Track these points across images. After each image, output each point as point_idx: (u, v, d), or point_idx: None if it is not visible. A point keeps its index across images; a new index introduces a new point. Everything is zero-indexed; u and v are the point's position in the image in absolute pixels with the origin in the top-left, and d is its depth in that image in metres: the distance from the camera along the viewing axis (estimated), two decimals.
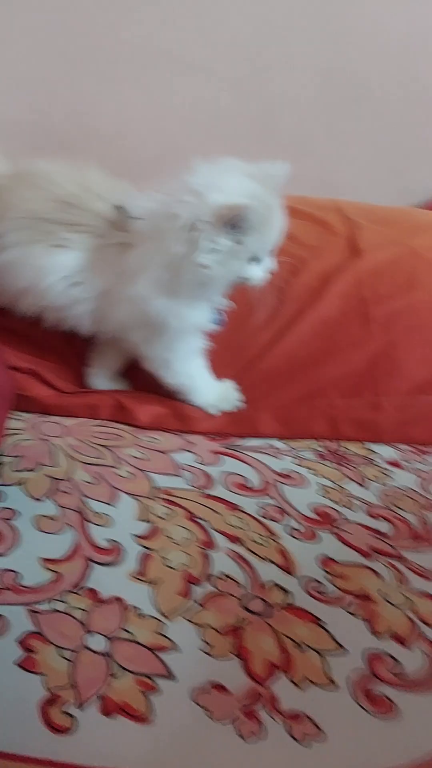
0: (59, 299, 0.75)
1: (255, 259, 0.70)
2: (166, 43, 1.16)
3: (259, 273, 0.71)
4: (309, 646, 0.48)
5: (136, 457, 0.70)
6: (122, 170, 1.22)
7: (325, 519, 0.62)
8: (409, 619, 0.51)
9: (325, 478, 0.69)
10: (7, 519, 0.57)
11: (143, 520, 0.60)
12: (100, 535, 0.57)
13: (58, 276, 0.73)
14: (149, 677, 0.45)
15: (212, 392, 0.80)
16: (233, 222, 0.66)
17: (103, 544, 0.56)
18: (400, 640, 0.49)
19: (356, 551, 0.58)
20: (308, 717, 0.43)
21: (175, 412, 0.78)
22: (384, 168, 1.28)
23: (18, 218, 0.74)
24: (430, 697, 0.45)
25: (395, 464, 0.73)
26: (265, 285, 0.73)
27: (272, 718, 0.43)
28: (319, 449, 0.75)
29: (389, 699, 0.45)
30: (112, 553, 0.55)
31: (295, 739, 0.42)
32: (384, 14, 1.18)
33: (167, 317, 0.72)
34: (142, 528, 0.59)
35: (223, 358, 0.82)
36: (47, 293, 0.75)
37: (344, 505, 0.64)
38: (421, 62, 1.22)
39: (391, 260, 0.89)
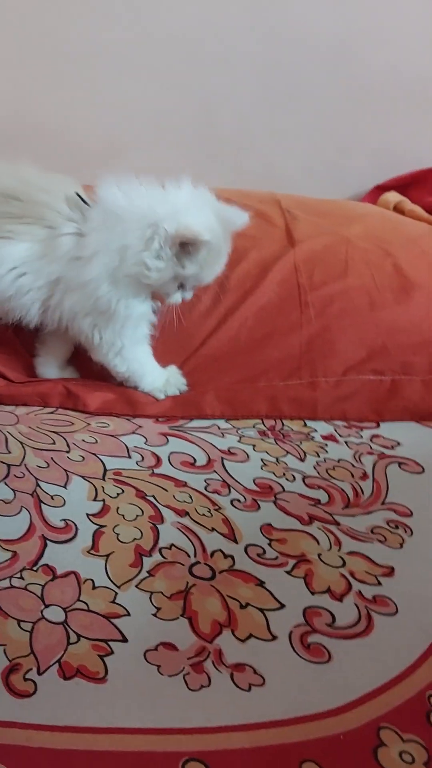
0: (7, 290, 0.77)
1: (182, 285, 0.78)
2: (108, 42, 1.18)
3: (178, 297, 0.79)
4: (252, 605, 0.52)
5: (87, 442, 0.73)
6: (67, 165, 1.24)
7: (265, 490, 0.67)
8: (343, 576, 0.56)
9: (265, 453, 0.73)
10: None
11: (95, 500, 0.63)
12: (54, 515, 0.60)
13: (6, 267, 0.75)
14: (104, 641, 0.48)
15: (159, 378, 0.83)
16: (187, 245, 0.72)
17: (58, 523, 0.59)
18: (335, 596, 0.54)
19: (295, 518, 0.63)
20: (250, 666, 0.47)
21: (123, 397, 0.81)
22: (321, 162, 1.33)
23: None
24: (360, 643, 0.50)
25: (331, 438, 0.78)
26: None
27: (217, 669, 0.47)
28: (261, 427, 0.80)
29: (324, 647, 0.50)
30: (66, 532, 0.58)
31: (238, 686, 0.46)
32: (320, 15, 1.23)
33: (114, 303, 0.76)
34: (95, 507, 0.62)
35: (169, 345, 0.85)
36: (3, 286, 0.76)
37: (284, 477, 0.69)
38: (356, 62, 1.27)
39: (325, 249, 0.94)
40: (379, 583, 0.56)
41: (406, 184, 1.37)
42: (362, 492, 0.68)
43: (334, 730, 0.44)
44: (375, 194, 1.37)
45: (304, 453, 0.74)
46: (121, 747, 0.42)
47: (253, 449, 0.74)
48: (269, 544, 0.59)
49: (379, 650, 0.50)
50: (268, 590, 0.54)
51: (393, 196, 1.32)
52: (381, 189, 1.37)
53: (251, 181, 1.20)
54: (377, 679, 0.47)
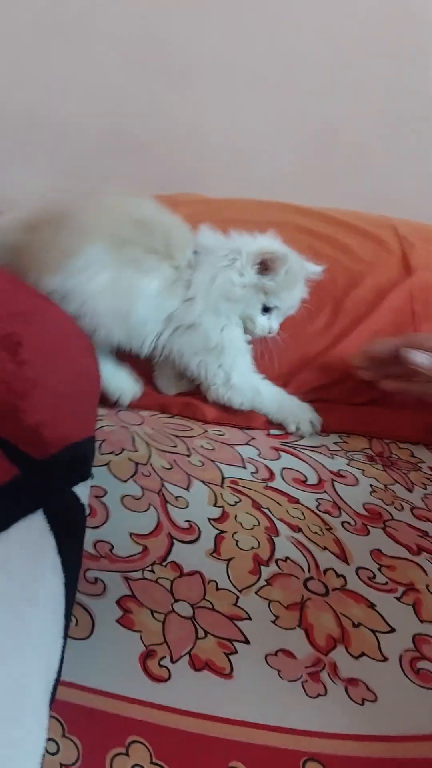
0: (137, 319, 0.81)
1: (266, 310, 0.85)
2: (240, 58, 1.23)
3: (264, 323, 0.86)
4: (363, 625, 0.56)
5: (205, 448, 0.78)
6: (196, 174, 1.30)
7: (375, 516, 0.70)
8: None
9: (374, 479, 0.76)
10: (98, 497, 0.66)
11: (215, 506, 0.68)
12: (179, 515, 0.65)
13: (144, 299, 0.80)
14: (229, 640, 0.53)
15: (285, 406, 0.86)
16: (266, 263, 0.82)
17: (183, 524, 0.64)
18: None
19: (404, 547, 0.66)
20: (363, 682, 0.51)
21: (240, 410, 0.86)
22: None
23: (100, 243, 0.78)
24: None
25: None
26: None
27: (333, 681, 0.51)
28: (369, 452, 0.82)
29: None
30: (191, 533, 0.64)
31: (352, 699, 0.50)
32: None
33: (217, 334, 0.84)
34: (215, 512, 0.67)
35: (282, 360, 0.89)
36: (136, 318, 0.81)
37: (393, 506, 0.72)
38: None
39: None
40: None
41: None
42: None
43: None
44: None
45: (412, 483, 0.76)
46: (247, 739, 0.46)
47: (362, 474, 0.77)
48: (379, 569, 0.62)
49: None
50: (378, 613, 0.57)
51: None
52: None
53: (367, 203, 1.23)
54: None
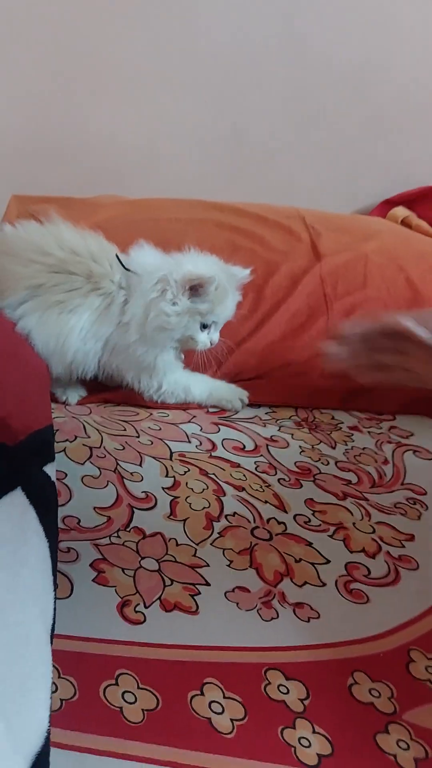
0: (76, 354, 0.88)
1: (204, 326, 0.89)
2: (149, 61, 1.30)
3: (204, 339, 0.90)
4: (304, 560, 0.66)
5: (152, 429, 0.85)
6: (110, 175, 1.36)
7: (305, 472, 0.80)
8: (374, 540, 0.70)
9: (302, 441, 0.87)
10: (60, 479, 0.73)
11: (167, 476, 0.76)
12: (136, 488, 0.73)
13: (76, 336, 0.86)
14: (192, 585, 0.62)
15: (215, 392, 0.94)
16: (196, 287, 0.84)
17: (140, 495, 0.72)
18: (369, 555, 0.68)
19: (332, 495, 0.76)
20: (307, 604, 0.61)
21: None
22: (336, 178, 1.46)
23: (23, 291, 0.85)
24: (391, 590, 0.64)
25: (356, 429, 0.92)
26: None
27: (282, 606, 0.60)
28: (296, 419, 0.93)
29: (364, 592, 0.63)
30: (148, 501, 0.71)
31: (299, 618, 0.59)
32: (340, 45, 1.35)
33: (152, 359, 0.89)
34: (168, 482, 0.75)
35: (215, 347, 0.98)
36: (69, 352, 0.87)
37: (320, 462, 0.82)
38: (369, 87, 1.40)
39: (346, 263, 1.07)
40: (403, 546, 0.70)
41: (412, 200, 1.50)
42: (385, 474, 0.82)
43: (375, 650, 0.57)
44: (383, 208, 1.51)
45: (335, 441, 0.87)
46: (216, 659, 0.55)
47: (292, 437, 0.87)
48: (313, 514, 0.73)
49: (407, 596, 0.63)
50: (315, 549, 0.68)
51: (401, 211, 1.45)
52: (389, 203, 1.51)
53: (273, 194, 1.33)
54: (405, 616, 0.61)
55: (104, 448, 0.80)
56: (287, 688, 0.53)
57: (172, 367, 0.92)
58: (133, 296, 0.87)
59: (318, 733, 0.50)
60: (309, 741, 0.49)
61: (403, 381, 0.68)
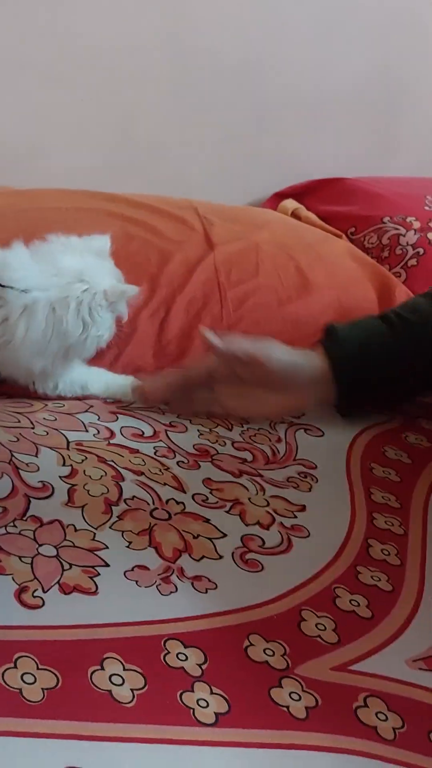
0: None
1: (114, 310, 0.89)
2: (29, 54, 1.27)
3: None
4: (201, 536, 0.68)
5: (47, 419, 0.85)
6: None
7: (203, 453, 0.82)
8: (268, 513, 0.73)
9: (200, 425, 0.89)
10: None
11: (64, 465, 0.76)
12: (32, 478, 0.73)
13: None
14: (92, 567, 0.62)
15: (111, 386, 0.94)
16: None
17: (36, 484, 0.72)
18: (264, 527, 0.71)
19: (228, 473, 0.79)
20: (205, 577, 0.63)
21: None
22: (226, 170, 1.50)
23: None
24: (284, 557, 0.67)
25: None
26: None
27: (180, 580, 0.62)
28: None
29: (259, 561, 0.66)
30: (44, 491, 0.71)
31: (197, 590, 0.62)
32: (225, 40, 1.39)
33: (48, 368, 0.88)
34: (65, 471, 0.75)
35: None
36: None
37: (217, 443, 0.85)
38: (256, 82, 1.45)
39: (239, 252, 1.11)
40: (295, 517, 0.73)
41: (301, 193, 1.57)
42: (278, 452, 0.85)
43: (269, 614, 0.60)
44: (274, 200, 1.56)
45: (231, 424, 0.90)
46: (116, 635, 0.56)
47: (190, 422, 0.89)
48: (210, 493, 0.75)
49: (298, 561, 0.67)
50: (213, 525, 0.70)
51: (291, 204, 1.51)
52: (280, 196, 1.57)
53: (164, 187, 1.35)
54: (297, 580, 0.65)
55: None
56: (186, 655, 0.55)
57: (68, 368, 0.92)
58: (21, 317, 0.84)
59: (215, 693, 0.52)
60: (207, 702, 0.51)
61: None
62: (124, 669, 0.53)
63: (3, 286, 0.83)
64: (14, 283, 0.83)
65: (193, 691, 0.52)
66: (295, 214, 1.47)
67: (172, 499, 0.73)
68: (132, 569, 0.63)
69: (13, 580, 0.59)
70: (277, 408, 0.89)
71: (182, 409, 0.83)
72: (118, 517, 0.69)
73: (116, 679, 0.52)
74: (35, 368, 0.88)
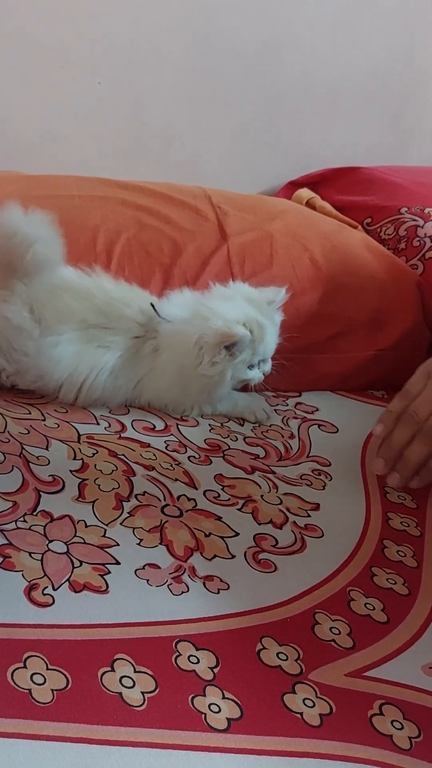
0: (104, 391, 0.86)
1: (252, 366, 0.88)
2: (45, 39, 1.25)
3: (257, 374, 0.89)
4: (213, 534, 0.67)
5: (58, 411, 0.84)
6: (3, 153, 1.32)
7: (215, 448, 0.81)
8: (281, 511, 0.72)
9: (212, 419, 0.88)
10: None
11: (75, 459, 0.75)
12: (42, 472, 0.72)
13: (105, 373, 0.85)
14: (102, 564, 0.61)
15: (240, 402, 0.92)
16: (228, 345, 0.83)
17: (47, 478, 0.71)
18: (276, 526, 0.70)
19: (240, 469, 0.78)
20: (217, 577, 0.62)
21: None
22: (241, 158, 1.47)
23: (73, 324, 0.84)
24: (297, 558, 0.66)
25: None
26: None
27: (192, 580, 0.61)
28: None
29: (271, 561, 0.65)
30: (55, 485, 0.70)
31: (209, 591, 0.61)
32: (242, 26, 1.35)
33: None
34: (76, 465, 0.74)
35: None
36: (96, 386, 0.85)
37: (228, 438, 0.84)
38: (273, 68, 1.41)
39: (253, 243, 1.08)
40: (309, 516, 0.72)
41: (316, 182, 1.53)
42: (291, 448, 0.84)
43: (282, 616, 0.59)
44: (289, 189, 1.53)
45: (243, 419, 0.89)
46: (127, 635, 0.55)
47: (202, 417, 0.88)
48: (222, 489, 0.74)
49: (312, 562, 0.66)
50: (225, 523, 0.69)
51: (306, 193, 1.48)
52: (294, 185, 1.54)
53: (178, 174, 1.33)
54: (311, 582, 0.63)
55: (8, 432, 0.77)
56: (197, 658, 0.54)
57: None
58: (164, 347, 0.86)
59: (228, 698, 0.51)
60: (219, 707, 0.50)
61: None
62: (135, 671, 0.52)
63: (159, 315, 0.87)
64: (169, 317, 0.87)
65: (204, 695, 0.51)
66: (310, 204, 1.44)
67: (184, 495, 0.72)
68: (143, 567, 0.62)
69: (23, 576, 0.58)
70: None
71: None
72: (129, 513, 0.68)
73: (127, 681, 0.51)
74: (171, 396, 0.88)
